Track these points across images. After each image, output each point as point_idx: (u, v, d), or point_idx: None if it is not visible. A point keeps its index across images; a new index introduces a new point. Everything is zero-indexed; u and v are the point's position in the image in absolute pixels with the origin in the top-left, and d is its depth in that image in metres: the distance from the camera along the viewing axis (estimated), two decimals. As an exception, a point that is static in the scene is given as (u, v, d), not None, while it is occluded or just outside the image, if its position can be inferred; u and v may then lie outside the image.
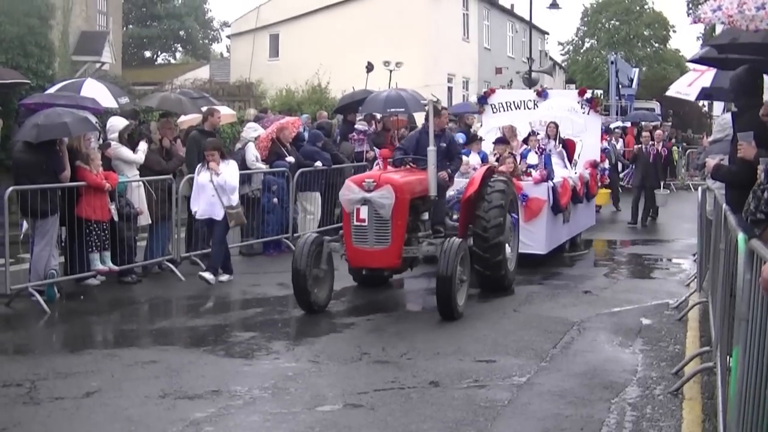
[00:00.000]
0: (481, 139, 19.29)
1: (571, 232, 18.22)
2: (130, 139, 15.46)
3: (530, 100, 20.34)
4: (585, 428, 7.70)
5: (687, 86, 17.40)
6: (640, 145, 24.34)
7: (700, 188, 13.69)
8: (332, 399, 8.41)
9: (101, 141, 14.90)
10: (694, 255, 15.79)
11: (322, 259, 12.41)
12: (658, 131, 25.60)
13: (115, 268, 13.97)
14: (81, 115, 14.15)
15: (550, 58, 70.35)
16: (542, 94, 20.43)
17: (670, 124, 46.63)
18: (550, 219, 16.31)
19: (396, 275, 14.16)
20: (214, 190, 14.29)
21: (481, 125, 21.11)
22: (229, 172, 14.53)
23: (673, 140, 39.05)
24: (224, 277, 14.67)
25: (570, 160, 19.10)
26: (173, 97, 19.16)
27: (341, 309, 12.80)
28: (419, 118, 27.97)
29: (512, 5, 62.79)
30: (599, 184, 20.95)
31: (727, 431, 6.38)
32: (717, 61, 11.42)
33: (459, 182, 14.97)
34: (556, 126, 18.81)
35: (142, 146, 15.04)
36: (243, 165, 17.14)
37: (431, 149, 12.85)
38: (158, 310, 13.03)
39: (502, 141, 17.62)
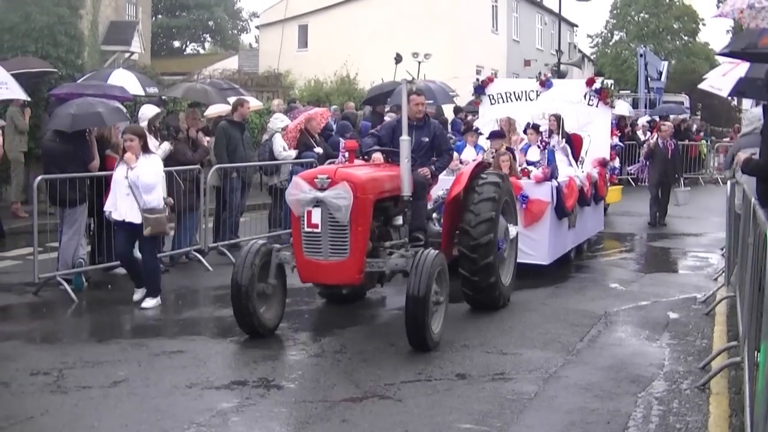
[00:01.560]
0: (477, 131, 17.77)
1: (577, 239, 16.32)
2: (160, 129, 15.52)
3: (532, 91, 18.69)
4: (611, 422, 7.69)
5: (722, 76, 17.15)
6: (656, 140, 22.13)
7: (729, 182, 13.62)
8: (359, 390, 8.42)
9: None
10: (722, 249, 15.72)
11: (271, 273, 10.50)
12: (667, 124, 23.36)
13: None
14: (113, 105, 14.25)
15: (579, 51, 70.13)
16: (545, 84, 18.62)
17: (699, 117, 46.37)
18: (553, 224, 14.54)
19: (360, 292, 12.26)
20: (128, 188, 11.86)
21: (478, 117, 19.59)
22: (146, 166, 11.96)
23: (702, 133, 38.85)
24: (151, 303, 12.16)
25: (576, 157, 17.15)
26: (199, 88, 19.21)
27: (373, 298, 12.72)
28: (448, 110, 28.03)
29: (542, -3, 62.59)
30: (608, 184, 18.70)
31: (754, 426, 6.35)
32: (748, 54, 11.32)
33: (448, 181, 12.69)
34: (559, 119, 16.92)
35: (165, 146, 15.04)
36: (271, 155, 17.18)
37: (404, 139, 10.90)
38: (185, 299, 13.04)
39: (497, 135, 16.11)
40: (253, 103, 20.99)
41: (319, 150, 17.73)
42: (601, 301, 12.75)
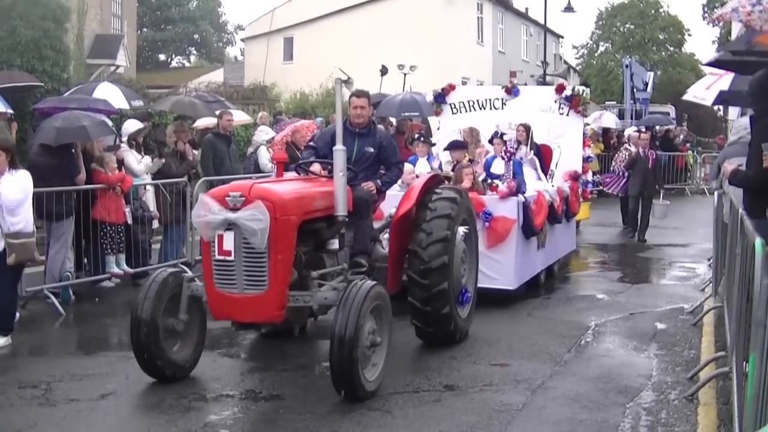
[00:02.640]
0: (428, 142, 15.97)
1: (547, 261, 14.90)
2: (143, 144, 15.52)
3: (497, 99, 17.41)
4: (600, 433, 7.69)
5: (705, 89, 17.20)
6: (637, 149, 20.87)
7: (716, 192, 13.65)
8: (347, 402, 8.38)
9: (116, 143, 14.94)
10: (709, 259, 15.76)
11: (182, 306, 9.07)
12: (644, 135, 22.03)
13: (130, 270, 14.03)
14: (99, 119, 14.27)
15: (565, 62, 70.37)
16: (512, 91, 17.34)
17: (685, 127, 46.51)
18: (520, 244, 13.17)
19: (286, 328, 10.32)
20: None
21: (438, 128, 18.37)
22: (11, 183, 10.46)
23: (688, 144, 38.95)
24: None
25: (546, 170, 15.92)
26: (187, 101, 19.22)
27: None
28: (434, 122, 28.05)
29: (527, 9, 62.86)
30: (581, 199, 17.34)
31: (743, 436, 6.35)
32: (734, 64, 11.36)
33: (398, 197, 10.97)
34: (527, 129, 15.53)
35: (146, 160, 15.04)
36: (257, 168, 17.19)
37: (338, 149, 9.39)
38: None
39: (457, 146, 14.76)
40: (241, 116, 21.00)
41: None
42: (589, 312, 12.75)
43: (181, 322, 9.04)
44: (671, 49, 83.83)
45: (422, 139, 15.84)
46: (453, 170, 13.88)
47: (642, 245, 19.69)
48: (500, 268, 12.96)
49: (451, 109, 17.73)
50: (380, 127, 11.86)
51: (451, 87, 18.10)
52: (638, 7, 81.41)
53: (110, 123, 15.31)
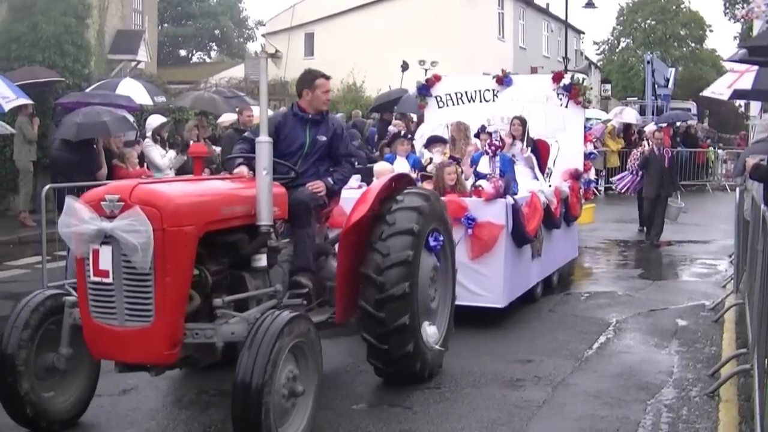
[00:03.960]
0: (407, 137, 14.61)
1: (544, 271, 13.36)
2: (167, 138, 15.57)
3: (488, 90, 15.68)
4: (621, 429, 7.67)
5: (726, 88, 17.22)
6: (651, 148, 19.48)
7: (737, 188, 13.59)
8: (369, 398, 8.43)
9: (137, 138, 15.00)
10: (730, 256, 15.69)
11: (63, 338, 7.24)
12: (657, 133, 20.78)
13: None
14: (119, 114, 14.34)
15: (586, 58, 70.14)
16: (504, 81, 15.52)
17: (706, 124, 46.38)
18: (510, 254, 11.52)
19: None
20: None
21: (423, 123, 16.51)
22: None
23: (709, 140, 38.82)
24: None
25: (543, 168, 14.39)
26: (207, 97, 19.29)
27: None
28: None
29: (547, 4, 62.60)
30: (583, 200, 15.67)
31: (765, 434, 6.33)
32: (758, 55, 11.33)
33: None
34: (523, 122, 14.08)
35: (170, 154, 15.06)
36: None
37: (262, 140, 7.62)
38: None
39: (437, 140, 13.81)
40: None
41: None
42: (610, 308, 12.72)
43: (63, 358, 7.19)
44: (692, 45, 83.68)
45: (402, 135, 14.56)
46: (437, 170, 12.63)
47: (664, 242, 19.32)
48: (486, 282, 11.29)
49: (437, 102, 16.04)
50: (333, 115, 9.87)
51: (437, 78, 16.34)
52: (659, 3, 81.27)
53: (131, 118, 15.36)
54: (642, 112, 38.47)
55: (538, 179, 13.82)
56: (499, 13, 53.10)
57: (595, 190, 17.70)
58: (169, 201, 6.74)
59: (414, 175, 11.93)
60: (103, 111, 13.83)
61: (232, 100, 19.91)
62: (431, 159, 13.37)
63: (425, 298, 8.87)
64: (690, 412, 8.13)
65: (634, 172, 20.23)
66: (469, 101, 15.80)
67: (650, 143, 19.73)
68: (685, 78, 68.67)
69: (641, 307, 12.84)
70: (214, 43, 77.33)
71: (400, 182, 9.26)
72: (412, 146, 14.29)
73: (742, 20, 47.56)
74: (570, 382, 9.04)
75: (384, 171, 11.94)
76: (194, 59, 75.58)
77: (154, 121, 15.36)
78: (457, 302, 9.94)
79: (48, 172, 15.69)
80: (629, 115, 34.16)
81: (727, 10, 67.59)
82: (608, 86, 62.46)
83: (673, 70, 47.89)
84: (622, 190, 21.28)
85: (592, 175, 16.32)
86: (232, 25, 74.75)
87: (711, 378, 9.12)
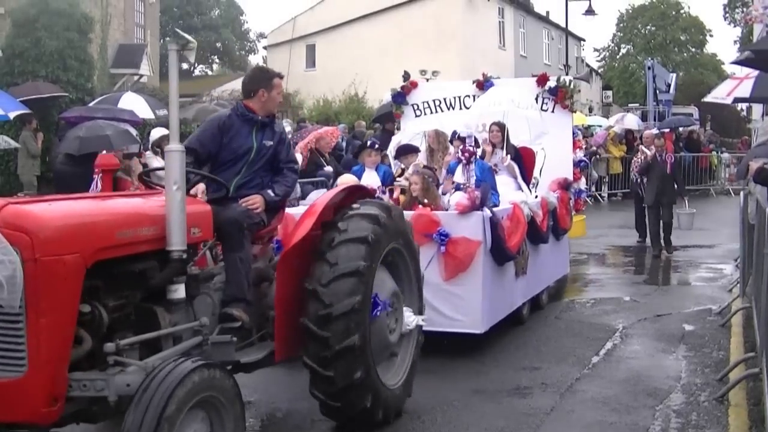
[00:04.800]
0: (375, 147, 12.85)
1: (530, 291, 12.21)
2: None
3: (468, 96, 14.89)
4: (630, 435, 7.66)
5: (726, 95, 17.27)
6: (653, 153, 18.64)
7: (741, 192, 13.58)
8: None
9: (140, 151, 15.03)
10: (736, 260, 15.66)
11: None
12: (657, 140, 19.45)
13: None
14: (122, 128, 14.36)
15: (587, 65, 70.17)
16: (484, 86, 14.67)
17: (709, 128, 46.38)
18: (489, 273, 10.33)
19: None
20: None
21: (398, 132, 15.41)
22: None
23: (712, 145, 38.82)
24: None
25: (528, 178, 13.25)
26: (210, 109, 19.33)
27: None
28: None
29: (548, 12, 62.85)
30: (573, 212, 14.50)
31: (774, 437, 6.31)
32: (759, 62, 11.35)
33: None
34: (502, 128, 12.92)
35: None
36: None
37: (173, 149, 6.29)
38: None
39: (408, 150, 12.85)
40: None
41: (329, 169, 17.74)
42: (616, 314, 12.70)
43: None
44: (693, 50, 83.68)
45: (370, 145, 13.05)
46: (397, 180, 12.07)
47: (667, 246, 18.88)
48: (463, 305, 10.09)
49: (414, 110, 15.18)
50: (278, 120, 8.38)
51: (413, 84, 15.54)
52: (659, 9, 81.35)
53: (134, 132, 15.39)
54: (644, 118, 38.46)
55: (522, 190, 12.71)
56: (499, 21, 53.17)
57: (586, 200, 16.19)
58: (44, 225, 5.45)
59: (379, 189, 11.34)
60: (106, 125, 13.88)
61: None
62: (402, 170, 12.49)
63: (380, 326, 7.57)
64: (699, 417, 8.10)
65: (635, 180, 19.79)
66: (449, 108, 15.05)
67: (650, 149, 18.92)
68: (686, 83, 68.61)
69: (647, 312, 12.82)
70: (216, 56, 77.48)
71: (351, 195, 7.99)
72: (385, 156, 13.49)
73: (743, 24, 47.58)
74: (577, 388, 9.02)
75: (348, 182, 10.36)
76: (196, 72, 75.63)
77: (157, 133, 15.40)
78: (430, 328, 9.14)
79: (52, 186, 15.72)
80: (630, 121, 34.21)
81: (727, 14, 67.71)
82: (609, 93, 62.49)
83: (674, 75, 47.80)
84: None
85: (582, 184, 15.39)
86: (233, 38, 74.89)
87: (719, 382, 9.09)
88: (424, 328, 8.60)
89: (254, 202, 7.34)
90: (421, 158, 12.86)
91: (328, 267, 7.07)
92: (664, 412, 8.25)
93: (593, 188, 31.01)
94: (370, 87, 37.76)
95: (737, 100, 17.52)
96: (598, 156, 31.25)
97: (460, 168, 11.66)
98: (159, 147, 15.26)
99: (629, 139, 32.33)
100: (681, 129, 35.09)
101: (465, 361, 9.96)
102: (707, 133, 41.29)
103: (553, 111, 14.42)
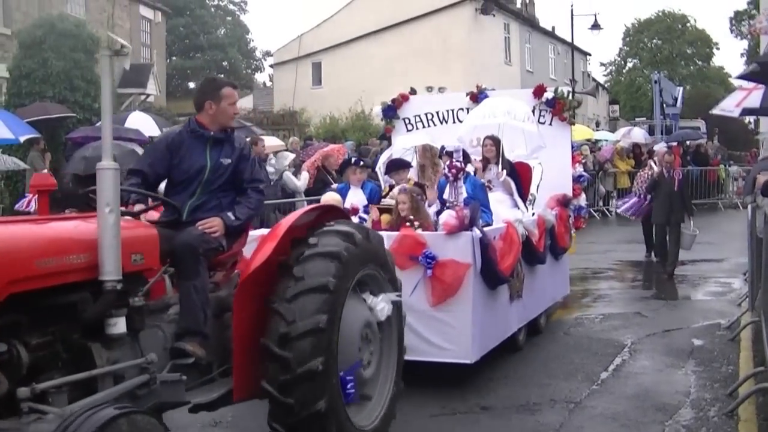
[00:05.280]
0: (359, 164, 12.59)
1: (527, 314, 11.45)
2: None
3: (461, 109, 14.20)
4: (639, 451, 7.63)
5: (734, 106, 17.19)
6: (660, 169, 17.91)
7: (749, 206, 13.55)
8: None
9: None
10: (744, 274, 15.62)
11: None
12: (668, 156, 18.83)
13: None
14: (128, 147, 14.40)
15: (593, 79, 70.27)
16: (478, 98, 14.01)
17: (716, 141, 46.40)
18: (480, 298, 9.55)
19: None
20: None
21: (388, 148, 14.68)
22: None
23: (720, 157, 38.83)
24: None
25: (524, 194, 12.28)
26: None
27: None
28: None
29: (553, 27, 62.87)
30: (573, 230, 13.77)
31: (784, 452, 6.28)
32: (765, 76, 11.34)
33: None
34: (496, 143, 12.08)
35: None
36: (284, 194, 17.19)
37: (105, 166, 5.67)
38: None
39: (399, 166, 12.02)
40: (274, 142, 21.09)
41: (335, 186, 17.78)
42: (624, 329, 12.67)
43: None
44: (699, 63, 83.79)
45: (355, 162, 12.56)
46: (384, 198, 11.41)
47: (677, 262, 18.29)
48: (452, 333, 9.33)
49: (405, 124, 14.53)
50: (240, 135, 7.66)
51: (404, 97, 14.80)
52: (665, 23, 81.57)
53: (141, 151, 15.42)
54: (651, 131, 38.49)
55: (518, 207, 11.92)
56: (505, 37, 53.24)
57: (587, 217, 15.13)
58: None
59: (362, 208, 11.10)
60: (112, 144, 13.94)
61: (240, 131, 20.03)
62: (391, 187, 11.75)
63: (348, 350, 6.70)
64: (709, 432, 8.09)
65: (641, 196, 18.95)
66: (442, 122, 14.35)
67: (658, 164, 18.18)
68: (693, 96, 68.68)
69: (656, 327, 12.78)
70: (222, 75, 77.67)
71: (321, 216, 7.12)
72: (373, 173, 13.00)
73: (749, 37, 47.59)
74: (586, 404, 8.98)
75: (329, 203, 9.33)
76: (203, 91, 75.94)
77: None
78: (417, 358, 8.70)
79: (60, 206, 15.75)
80: (637, 134, 34.29)
81: (734, 27, 67.78)
82: (616, 107, 62.59)
83: (681, 88, 47.85)
84: (627, 215, 19.72)
85: (582, 201, 14.32)
86: (240, 57, 75.18)
87: (729, 397, 9.05)
88: (408, 358, 7.92)
89: (212, 225, 6.62)
90: (413, 174, 12.26)
91: (294, 282, 6.31)
92: (674, 428, 8.22)
93: (601, 203, 31.02)
94: (376, 104, 37.79)
95: (746, 111, 17.43)
96: (605, 170, 31.26)
97: (449, 185, 10.96)
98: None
99: (636, 153, 32.32)
100: (688, 142, 35.09)
101: (472, 376, 9.89)
102: (715, 146, 41.25)
103: (550, 124, 13.76)
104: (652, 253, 19.18)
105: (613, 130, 47.96)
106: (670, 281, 17.12)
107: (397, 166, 11.93)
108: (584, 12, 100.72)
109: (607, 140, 35.98)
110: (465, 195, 10.71)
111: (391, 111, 14.65)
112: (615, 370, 10.41)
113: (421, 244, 9.29)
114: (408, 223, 9.90)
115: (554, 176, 13.08)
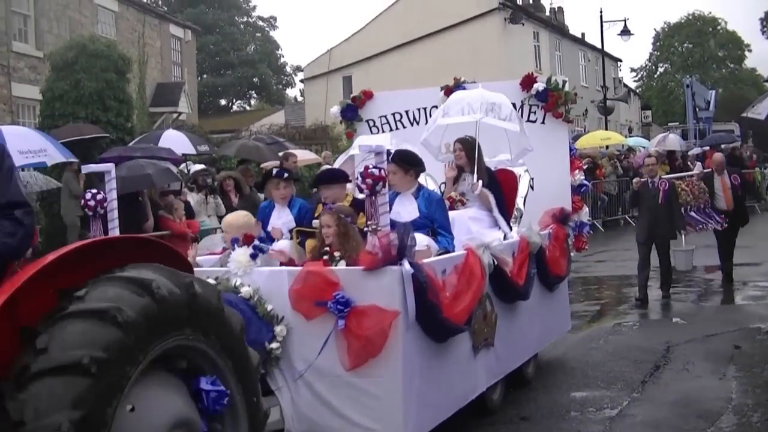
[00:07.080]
0: (283, 176, 9.26)
1: (502, 368, 9.00)
2: (203, 185, 15.77)
3: (435, 107, 11.67)
4: (682, 459, 7.57)
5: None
6: (644, 179, 15.77)
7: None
8: None
9: (181, 188, 15.19)
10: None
11: None
12: (648, 159, 17.12)
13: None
14: (163, 166, 14.50)
15: (624, 85, 69.96)
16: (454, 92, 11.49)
17: (750, 143, 46.09)
18: (416, 356, 7.05)
19: None
20: None
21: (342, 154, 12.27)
22: None
23: (755, 157, 38.53)
24: None
25: (507, 209, 9.83)
26: (251, 145, 19.49)
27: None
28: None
29: (583, 34, 62.66)
30: (572, 251, 11.43)
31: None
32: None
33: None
34: (469, 147, 9.79)
35: (215, 201, 15.27)
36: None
37: None
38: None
39: (330, 179, 8.99)
40: (308, 155, 21.14)
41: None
42: (663, 335, 12.56)
43: None
44: (731, 65, 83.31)
45: (277, 174, 9.39)
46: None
47: (711, 266, 18.43)
48: (377, 408, 6.79)
49: (369, 126, 12.38)
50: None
51: (367, 95, 12.56)
52: (695, 26, 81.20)
53: (175, 169, 15.52)
54: (684, 136, 38.33)
55: (499, 226, 9.57)
56: (535, 45, 53.12)
57: (589, 235, 12.31)
58: None
59: (286, 232, 8.79)
60: (147, 163, 14.02)
61: (272, 147, 20.09)
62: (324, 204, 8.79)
63: None
64: (752, 438, 8.01)
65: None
66: (412, 123, 12.24)
67: (649, 174, 15.70)
68: (726, 99, 68.33)
69: (695, 332, 12.67)
70: (253, 91, 77.98)
71: (135, 254, 4.71)
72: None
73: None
74: (627, 413, 8.92)
75: (233, 226, 7.90)
76: (234, 108, 76.23)
77: (194, 169, 15.60)
78: None
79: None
80: (673, 142, 34.03)
81: (765, 28, 67.30)
82: (649, 113, 62.28)
83: (714, 92, 47.64)
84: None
85: (585, 215, 11.96)
86: (270, 72, 75.32)
87: (771, 402, 8.99)
88: None
89: None
90: (351, 188, 9.17)
91: (33, 357, 3.99)
92: (716, 435, 8.16)
93: (633, 210, 30.85)
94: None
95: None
96: (640, 176, 31.06)
97: (401, 201, 8.58)
98: (195, 182, 15.38)
99: (672, 159, 32.14)
100: (723, 146, 34.85)
101: (512, 386, 9.83)
102: (749, 149, 40.96)
103: (543, 122, 11.59)
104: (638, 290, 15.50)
105: (646, 135, 47.72)
106: (709, 286, 16.99)
107: (328, 178, 9.00)
108: (614, 18, 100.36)
109: (643, 147, 35.80)
110: (414, 214, 8.42)
111: (351, 112, 12.49)
112: (655, 377, 10.33)
113: (333, 284, 6.79)
114: (326, 257, 7.41)
115: (548, 186, 11.11)
